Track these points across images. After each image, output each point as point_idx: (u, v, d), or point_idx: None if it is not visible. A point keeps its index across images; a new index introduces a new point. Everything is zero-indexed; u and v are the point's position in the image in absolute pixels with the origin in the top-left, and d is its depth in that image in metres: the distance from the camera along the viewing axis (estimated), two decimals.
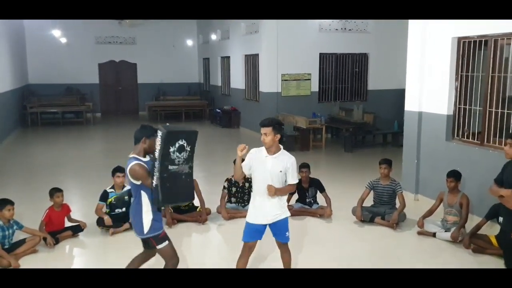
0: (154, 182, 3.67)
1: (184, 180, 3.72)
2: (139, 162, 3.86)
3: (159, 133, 3.62)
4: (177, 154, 3.64)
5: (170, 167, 3.62)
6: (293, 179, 4.10)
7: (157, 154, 3.63)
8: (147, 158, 3.94)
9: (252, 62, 14.40)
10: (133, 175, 3.83)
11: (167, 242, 3.99)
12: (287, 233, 4.24)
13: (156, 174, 3.62)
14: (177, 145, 3.62)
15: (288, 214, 4.25)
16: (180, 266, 4.13)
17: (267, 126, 3.95)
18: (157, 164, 3.63)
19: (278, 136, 3.99)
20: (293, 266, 4.73)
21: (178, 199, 3.76)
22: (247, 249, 4.19)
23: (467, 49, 6.57)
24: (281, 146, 4.15)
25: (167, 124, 4.03)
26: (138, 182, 3.84)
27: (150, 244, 4.05)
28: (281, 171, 4.05)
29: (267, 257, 5.19)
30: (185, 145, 3.66)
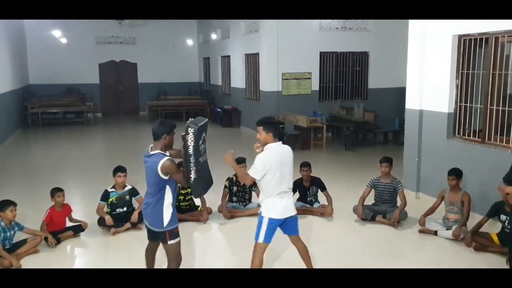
0: (192, 176, 3.83)
1: (207, 166, 4.00)
2: (170, 157, 3.93)
3: (191, 130, 3.75)
4: (203, 145, 3.90)
5: (200, 159, 3.84)
6: (249, 170, 4.17)
7: (191, 150, 3.77)
8: (168, 154, 4.01)
9: (252, 61, 14.39)
10: (166, 171, 3.85)
11: (179, 238, 4.03)
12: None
13: (194, 168, 3.80)
14: (202, 137, 3.88)
15: None
16: (181, 265, 4.13)
17: (258, 125, 4.23)
18: (192, 159, 3.79)
19: (270, 134, 4.18)
20: (293, 265, 4.75)
21: (209, 185, 4.05)
22: (264, 250, 4.22)
23: (468, 47, 6.56)
24: (275, 143, 4.21)
25: (191, 118, 4.08)
26: (167, 177, 3.88)
27: (163, 238, 4.02)
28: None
29: (266, 257, 5.18)
30: (205, 135, 3.94)
